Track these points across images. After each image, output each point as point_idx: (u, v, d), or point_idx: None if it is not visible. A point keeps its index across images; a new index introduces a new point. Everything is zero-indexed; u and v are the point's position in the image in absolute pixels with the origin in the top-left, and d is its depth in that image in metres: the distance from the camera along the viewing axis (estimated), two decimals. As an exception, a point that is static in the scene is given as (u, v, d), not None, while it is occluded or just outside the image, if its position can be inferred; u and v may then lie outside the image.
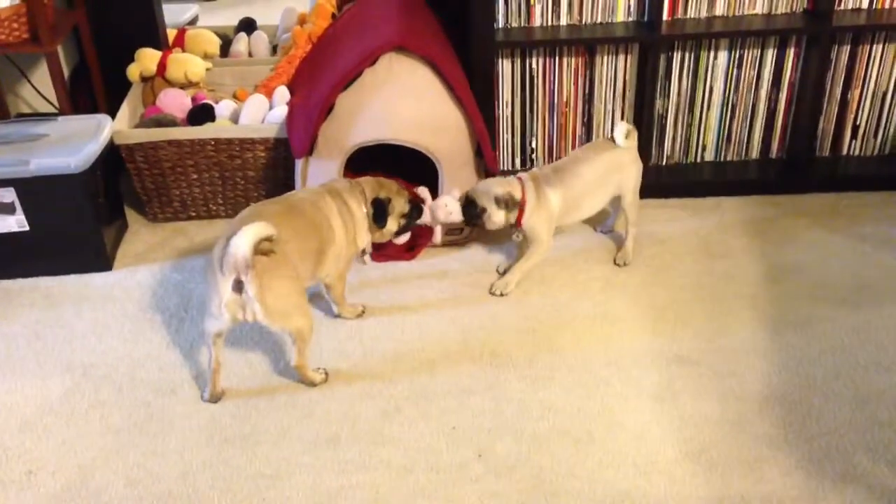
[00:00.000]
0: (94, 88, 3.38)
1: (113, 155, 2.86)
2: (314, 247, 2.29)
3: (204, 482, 2.01)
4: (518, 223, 2.61)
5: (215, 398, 2.24)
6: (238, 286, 2.05)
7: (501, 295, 2.63)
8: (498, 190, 2.56)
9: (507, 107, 3.13)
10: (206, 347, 2.25)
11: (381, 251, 2.77)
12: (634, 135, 2.71)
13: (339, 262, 2.41)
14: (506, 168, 3.23)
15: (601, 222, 2.94)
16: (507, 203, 2.56)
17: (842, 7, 3.02)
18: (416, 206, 2.57)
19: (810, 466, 2.00)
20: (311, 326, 2.23)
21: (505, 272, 2.70)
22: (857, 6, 3.03)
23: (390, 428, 2.15)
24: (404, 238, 2.66)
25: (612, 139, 2.68)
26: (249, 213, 2.24)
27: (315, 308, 2.57)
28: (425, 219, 2.62)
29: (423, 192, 2.67)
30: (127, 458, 2.08)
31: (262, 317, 2.09)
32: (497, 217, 2.57)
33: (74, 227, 2.70)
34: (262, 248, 2.03)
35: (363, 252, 2.55)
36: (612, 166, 2.68)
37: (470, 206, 2.59)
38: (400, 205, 2.50)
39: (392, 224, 2.49)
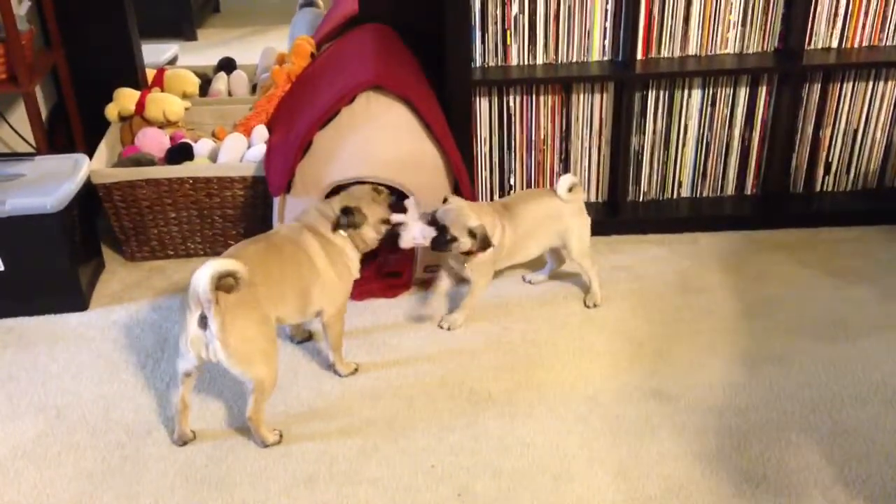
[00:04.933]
0: (72, 128, 3.38)
1: (90, 194, 2.85)
2: (295, 286, 2.25)
3: (179, 525, 1.98)
4: (473, 254, 2.53)
5: (183, 440, 2.20)
6: (203, 322, 2.02)
7: (449, 329, 2.64)
8: (472, 222, 2.46)
9: (484, 144, 3.16)
10: (176, 387, 2.21)
11: (363, 288, 2.77)
12: (579, 190, 2.68)
13: (332, 296, 2.34)
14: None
15: (532, 271, 2.87)
16: (481, 237, 2.47)
17: (812, 46, 3.08)
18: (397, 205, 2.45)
19: (789, 502, 2.00)
20: (274, 379, 2.16)
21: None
22: (827, 45, 3.09)
23: (368, 467, 2.13)
24: (408, 243, 2.47)
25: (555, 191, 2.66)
26: (230, 250, 2.23)
27: (298, 349, 2.56)
28: (403, 241, 2.47)
29: (409, 203, 2.51)
30: (101, 501, 2.04)
31: (223, 357, 2.04)
32: (464, 248, 2.48)
33: (50, 267, 2.68)
34: (225, 284, 1.98)
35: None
36: (551, 215, 2.65)
37: (441, 233, 2.46)
38: (376, 211, 2.39)
39: (370, 231, 2.39)
